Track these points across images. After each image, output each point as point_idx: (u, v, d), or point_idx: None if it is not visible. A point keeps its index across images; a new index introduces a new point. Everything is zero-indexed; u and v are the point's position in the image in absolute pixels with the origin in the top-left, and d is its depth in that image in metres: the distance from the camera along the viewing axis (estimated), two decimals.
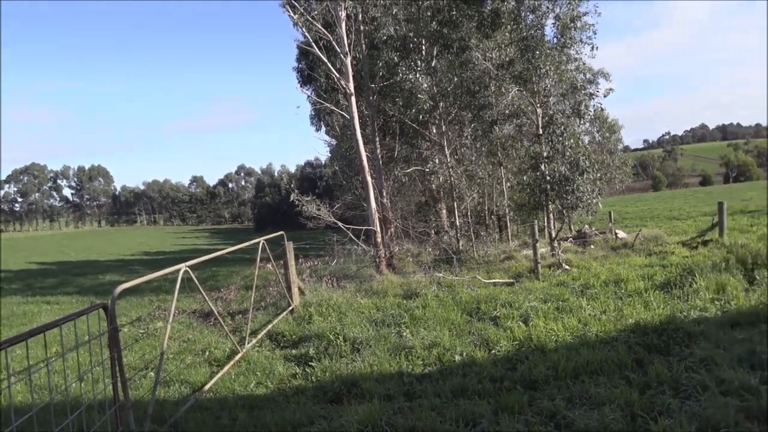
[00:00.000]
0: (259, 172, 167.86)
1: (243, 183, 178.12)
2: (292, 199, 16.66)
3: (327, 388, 6.37)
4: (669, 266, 11.09)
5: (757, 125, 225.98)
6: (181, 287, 6.74)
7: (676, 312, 7.70)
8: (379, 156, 19.95)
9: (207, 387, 6.75)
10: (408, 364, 6.91)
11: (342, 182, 27.31)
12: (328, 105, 18.67)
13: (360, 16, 17.64)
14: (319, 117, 29.50)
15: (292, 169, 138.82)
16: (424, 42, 19.17)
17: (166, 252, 45.79)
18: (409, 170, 21.01)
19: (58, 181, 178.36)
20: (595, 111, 24.84)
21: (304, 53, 24.26)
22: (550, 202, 16.01)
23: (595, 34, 16.35)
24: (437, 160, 19.77)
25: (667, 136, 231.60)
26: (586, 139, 30.71)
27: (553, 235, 15.93)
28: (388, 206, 19.70)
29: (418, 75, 17.24)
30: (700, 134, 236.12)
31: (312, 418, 5.50)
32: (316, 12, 15.80)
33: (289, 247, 10.97)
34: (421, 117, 18.48)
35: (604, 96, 21.43)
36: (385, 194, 19.53)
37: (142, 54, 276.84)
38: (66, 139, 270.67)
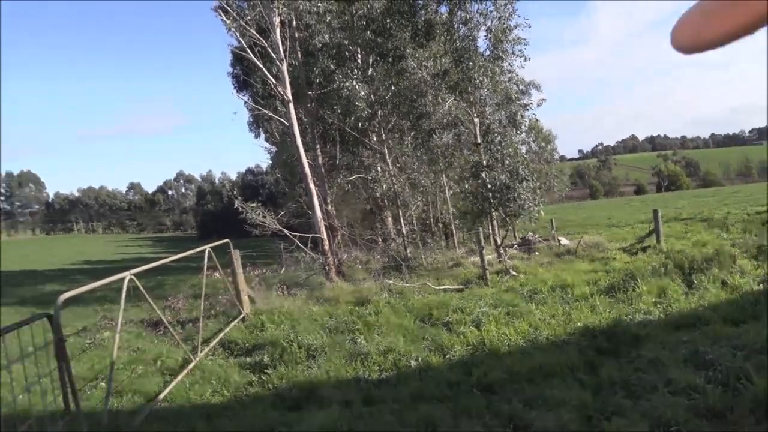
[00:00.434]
0: (199, 179, 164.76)
1: (183, 190, 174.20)
2: (236, 206, 16.42)
3: (285, 395, 6.35)
4: (612, 271, 11.46)
5: (683, 137, 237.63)
6: (127, 296, 6.60)
7: (621, 315, 8.01)
8: (321, 163, 19.85)
9: (161, 396, 6.61)
10: (365, 370, 6.95)
11: (285, 190, 27.01)
12: (266, 112, 18.29)
13: (294, 22, 17.42)
14: (257, 124, 29.02)
15: (233, 176, 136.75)
16: (359, 50, 19.22)
17: (108, 261, 44.36)
18: (351, 178, 20.94)
19: None
20: (530, 121, 25.61)
21: (238, 58, 23.69)
22: (493, 210, 16.33)
23: (526, 47, 16.95)
24: (379, 168, 19.85)
25: (600, 147, 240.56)
26: (524, 148, 31.45)
27: (499, 242, 16.27)
28: (333, 214, 19.66)
29: (355, 83, 17.30)
30: (631, 145, 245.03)
31: (272, 426, 5.46)
32: (249, 17, 15.52)
33: (236, 254, 10.85)
34: (360, 125, 18.51)
35: (537, 106, 22.21)
36: (329, 202, 19.49)
37: (58, 53, 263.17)
38: None
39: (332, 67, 18.74)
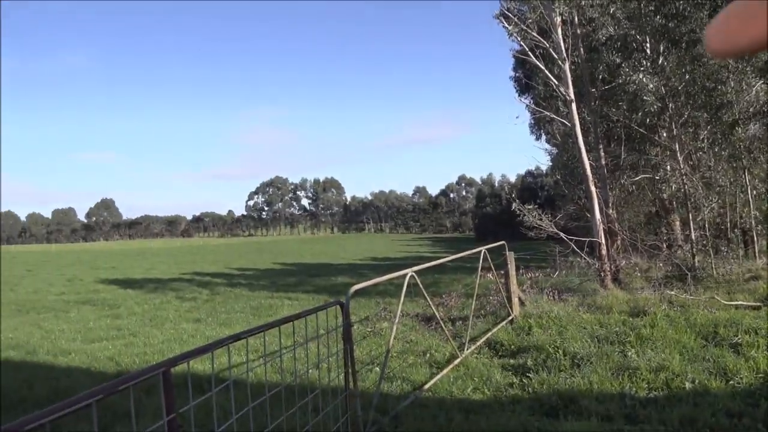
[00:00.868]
0: (479, 182, 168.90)
1: (464, 193, 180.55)
2: (513, 208, 16.61)
3: (543, 401, 6.29)
4: None
5: None
6: (406, 291, 7.15)
7: None
8: (604, 164, 19.04)
9: (426, 387, 7.04)
10: (631, 385, 6.55)
11: (564, 192, 26.60)
12: (548, 113, 18.26)
13: (576, 19, 16.98)
14: (538, 126, 29.07)
15: (513, 179, 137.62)
16: (648, 39, 17.94)
17: (392, 258, 47.96)
18: (636, 178, 19.69)
19: (298, 192, 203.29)
20: None
21: (520, 62, 24.11)
22: None
23: None
24: (668, 167, 18.33)
25: None
26: None
27: None
28: (614, 217, 18.70)
29: (642, 75, 16.22)
30: None
31: (526, 429, 5.50)
32: (530, 20, 15.59)
33: (510, 257, 10.97)
34: (648, 120, 17.34)
35: None
36: (610, 204, 18.61)
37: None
38: (303, 154, 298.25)
39: (617, 60, 17.98)
